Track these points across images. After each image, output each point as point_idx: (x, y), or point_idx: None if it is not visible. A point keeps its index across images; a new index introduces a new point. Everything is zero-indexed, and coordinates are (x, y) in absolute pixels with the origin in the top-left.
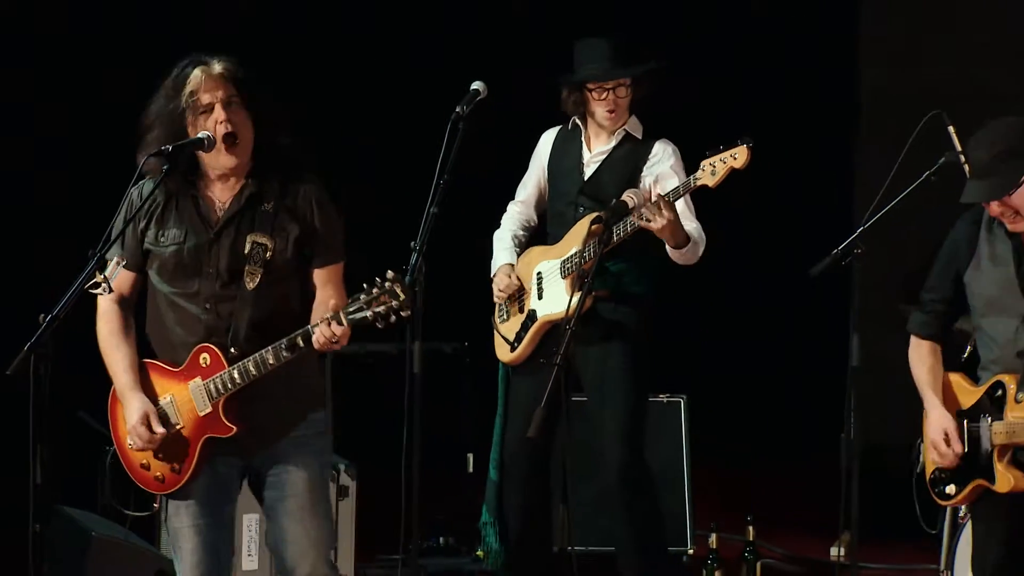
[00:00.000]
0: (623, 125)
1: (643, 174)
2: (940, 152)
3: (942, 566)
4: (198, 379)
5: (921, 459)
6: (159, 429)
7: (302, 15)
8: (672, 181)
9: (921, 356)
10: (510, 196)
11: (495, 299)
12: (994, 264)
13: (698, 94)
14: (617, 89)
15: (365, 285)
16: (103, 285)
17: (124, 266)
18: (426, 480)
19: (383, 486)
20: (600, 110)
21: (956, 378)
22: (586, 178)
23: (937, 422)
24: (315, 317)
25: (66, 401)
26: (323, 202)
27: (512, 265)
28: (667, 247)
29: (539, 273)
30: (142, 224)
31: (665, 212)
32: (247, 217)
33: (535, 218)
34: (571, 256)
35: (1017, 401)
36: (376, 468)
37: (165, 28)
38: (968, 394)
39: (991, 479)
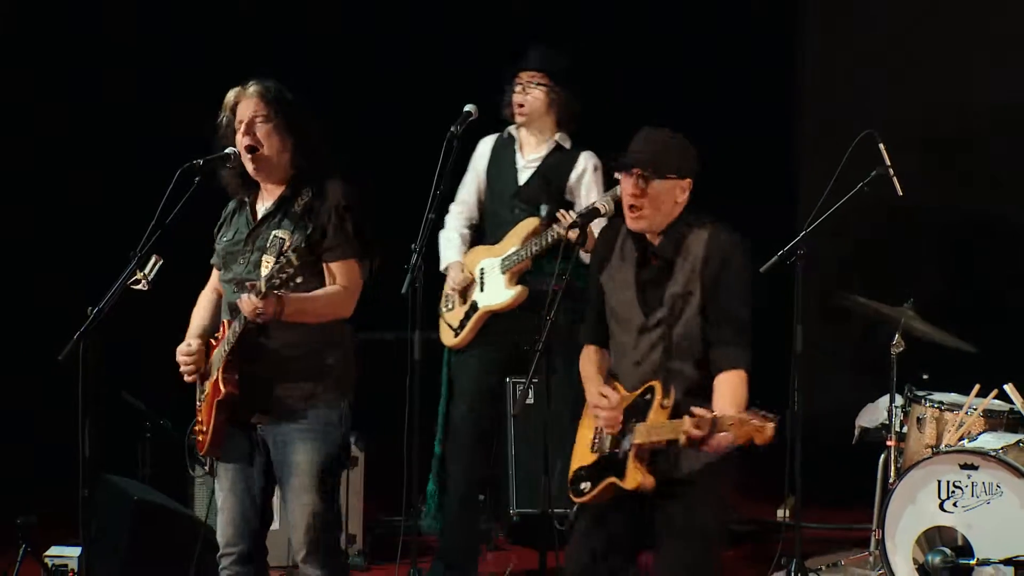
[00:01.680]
0: (554, 138)
1: (570, 181)
2: (872, 167)
3: (874, 525)
4: (216, 349)
5: (857, 432)
6: (195, 343)
7: (301, 18)
8: (592, 196)
9: (586, 358)
10: None
11: (447, 291)
12: (621, 273)
13: (659, 114)
14: (528, 85)
15: (274, 259)
16: (143, 282)
17: (214, 264)
18: (424, 451)
19: (387, 456)
20: (515, 103)
21: (615, 384)
22: (520, 183)
23: (592, 391)
24: None
25: (110, 383)
26: (343, 206)
27: (461, 262)
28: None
29: (482, 269)
30: (217, 230)
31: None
32: (278, 217)
33: (476, 217)
34: (510, 255)
35: (663, 407)
36: (380, 441)
37: (165, 29)
38: (622, 399)
39: (621, 476)
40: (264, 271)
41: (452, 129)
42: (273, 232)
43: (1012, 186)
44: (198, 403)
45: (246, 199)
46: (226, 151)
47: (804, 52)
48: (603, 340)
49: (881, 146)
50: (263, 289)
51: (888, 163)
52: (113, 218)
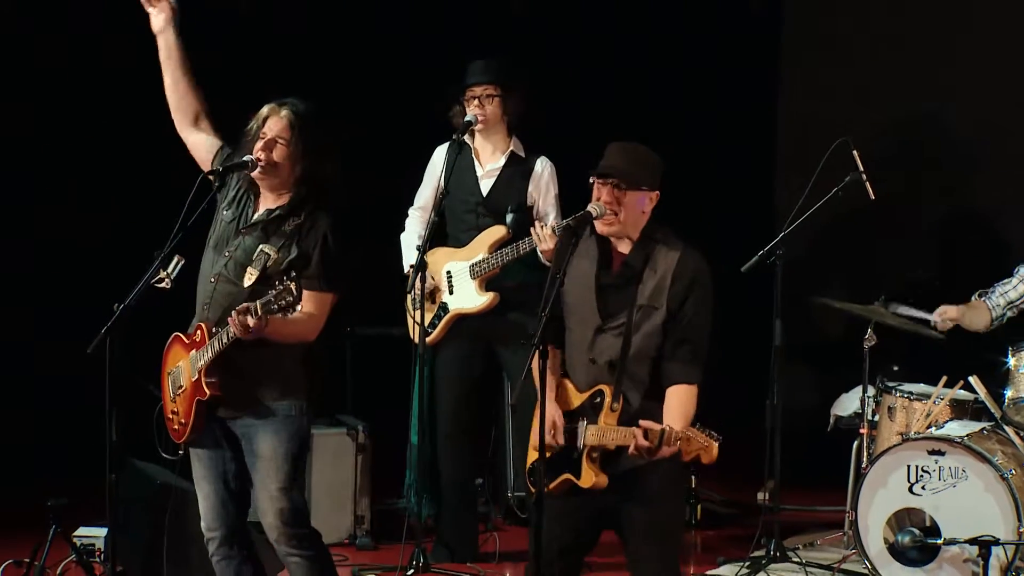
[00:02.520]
0: (510, 147)
1: (529, 188)
2: (846, 172)
3: (848, 507)
4: (194, 351)
5: (832, 421)
6: None
7: (301, 16)
8: (550, 203)
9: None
10: None
11: (412, 292)
12: (579, 274)
13: (646, 119)
14: (484, 98)
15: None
16: (165, 280)
17: (212, 177)
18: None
19: (392, 443)
20: (470, 115)
21: (567, 382)
22: (484, 193)
23: (549, 415)
24: None
25: (135, 374)
26: (329, 238)
27: (425, 263)
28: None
29: (448, 272)
30: (224, 188)
31: (550, 241)
32: (270, 229)
33: (435, 219)
34: (479, 262)
35: (612, 410)
36: (386, 429)
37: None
38: (574, 398)
39: (577, 475)
40: (247, 281)
41: (455, 137)
42: (260, 246)
43: (980, 187)
44: (171, 394)
45: (256, 195)
46: (244, 159)
47: (785, 60)
48: (556, 338)
49: (855, 152)
50: (259, 313)
51: (861, 168)
52: (139, 221)
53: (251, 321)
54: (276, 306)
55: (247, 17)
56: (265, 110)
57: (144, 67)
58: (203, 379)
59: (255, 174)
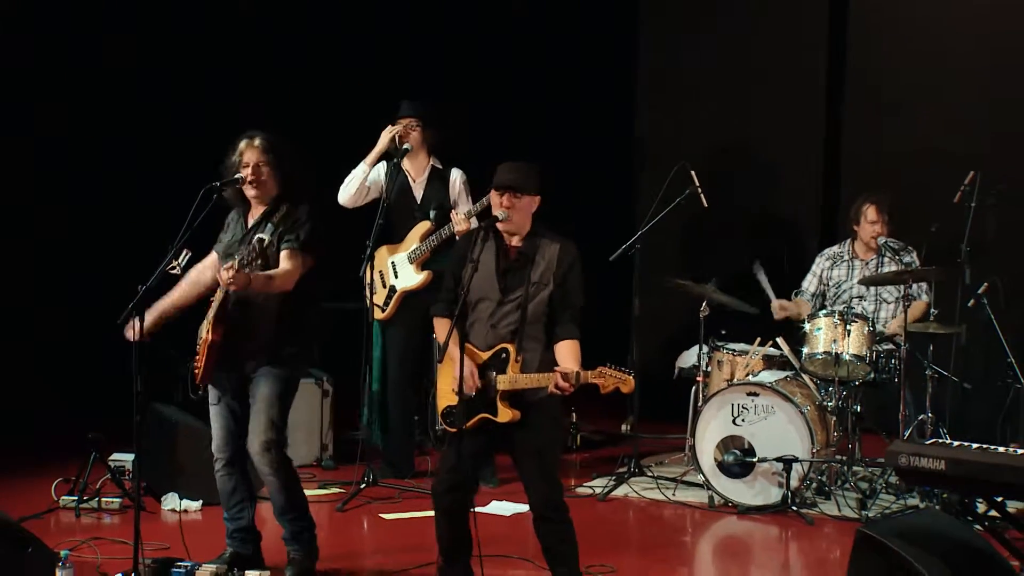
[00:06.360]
0: (430, 163)
1: (450, 191)
2: (686, 186)
3: (688, 435)
4: (209, 312)
5: (676, 371)
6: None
7: (300, 15)
8: (463, 200)
9: (441, 328)
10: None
11: (363, 277)
12: (482, 263)
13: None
14: (410, 126)
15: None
16: (177, 268)
17: (216, 251)
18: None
19: (348, 390)
20: (407, 144)
21: (469, 346)
22: (419, 201)
23: (467, 367)
24: None
25: (156, 338)
26: (306, 215)
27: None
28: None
29: (393, 262)
30: (224, 230)
31: (464, 223)
32: (262, 225)
33: (380, 223)
34: (414, 249)
35: (516, 362)
36: (344, 379)
37: (164, 30)
38: (476, 357)
39: (494, 413)
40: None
41: (395, 160)
42: (257, 235)
43: (783, 195)
44: (197, 346)
45: (242, 212)
46: (236, 176)
47: (639, 94)
48: (451, 314)
49: (692, 172)
50: (235, 267)
51: (697, 184)
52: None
53: (230, 272)
54: (246, 261)
55: (247, 17)
56: (241, 144)
57: (142, 66)
58: (211, 327)
59: (251, 193)
